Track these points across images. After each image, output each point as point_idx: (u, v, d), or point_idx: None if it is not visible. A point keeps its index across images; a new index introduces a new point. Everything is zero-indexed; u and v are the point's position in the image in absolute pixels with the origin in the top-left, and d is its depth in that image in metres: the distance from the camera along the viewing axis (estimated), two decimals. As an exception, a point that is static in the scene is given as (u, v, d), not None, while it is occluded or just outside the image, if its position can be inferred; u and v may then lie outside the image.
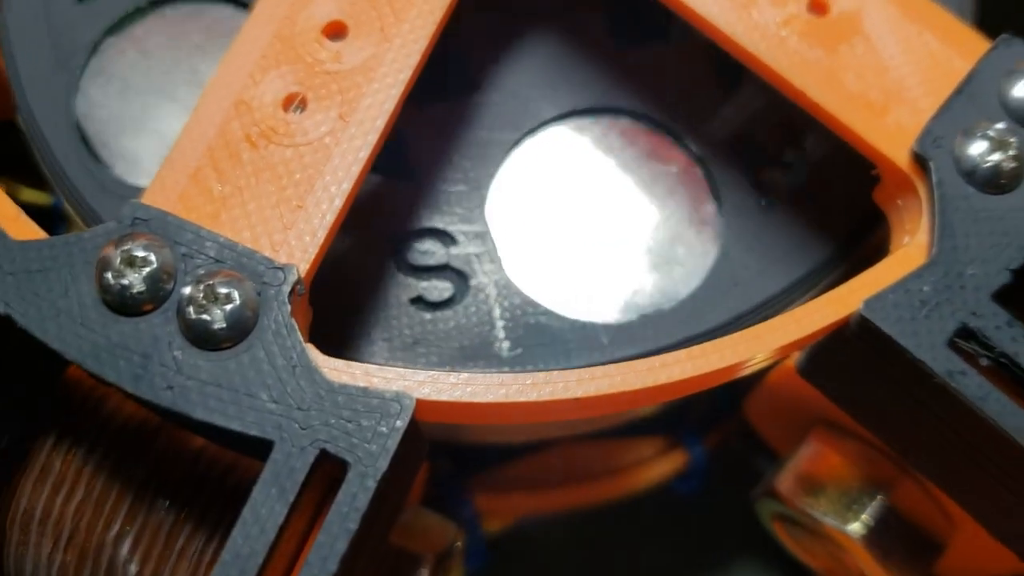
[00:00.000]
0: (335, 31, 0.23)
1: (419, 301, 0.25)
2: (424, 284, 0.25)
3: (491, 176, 0.26)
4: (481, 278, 0.25)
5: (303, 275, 0.21)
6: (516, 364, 0.24)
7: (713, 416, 0.32)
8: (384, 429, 0.19)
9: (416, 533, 0.25)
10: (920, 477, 0.25)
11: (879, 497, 0.26)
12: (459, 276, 0.25)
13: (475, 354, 0.24)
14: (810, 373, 0.23)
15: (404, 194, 0.26)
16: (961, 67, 0.23)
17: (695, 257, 0.25)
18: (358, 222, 0.24)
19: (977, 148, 0.22)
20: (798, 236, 0.25)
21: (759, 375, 0.27)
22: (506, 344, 0.24)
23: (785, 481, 0.26)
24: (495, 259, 0.25)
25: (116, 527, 0.23)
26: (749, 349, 0.21)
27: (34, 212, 0.22)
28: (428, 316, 0.25)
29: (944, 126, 0.22)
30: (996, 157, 0.21)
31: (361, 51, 0.22)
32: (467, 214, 0.25)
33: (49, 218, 0.30)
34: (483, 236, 0.25)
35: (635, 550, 0.34)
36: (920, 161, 0.22)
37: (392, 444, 0.19)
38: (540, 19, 0.27)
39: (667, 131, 0.26)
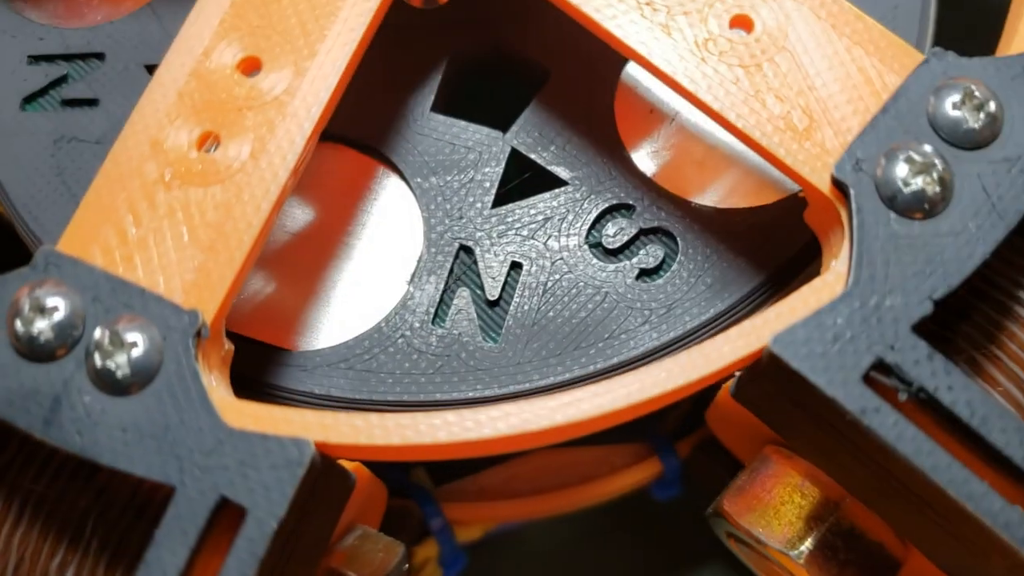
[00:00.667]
0: (250, 66, 0.23)
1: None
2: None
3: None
4: None
5: (211, 317, 0.21)
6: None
7: (688, 423, 0.32)
8: (282, 475, 0.20)
9: (360, 558, 0.25)
10: (867, 499, 0.25)
11: (828, 519, 0.25)
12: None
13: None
14: (739, 398, 0.23)
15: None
16: (893, 83, 0.22)
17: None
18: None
19: (900, 171, 0.21)
20: (733, 261, 0.25)
21: (715, 385, 0.27)
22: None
23: (732, 502, 0.26)
24: None
25: (59, 556, 0.24)
26: (654, 386, 0.20)
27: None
28: None
29: (867, 148, 0.21)
30: (919, 181, 0.21)
31: (275, 86, 0.22)
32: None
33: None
34: None
35: (611, 553, 0.34)
36: (840, 186, 0.21)
37: (289, 490, 0.19)
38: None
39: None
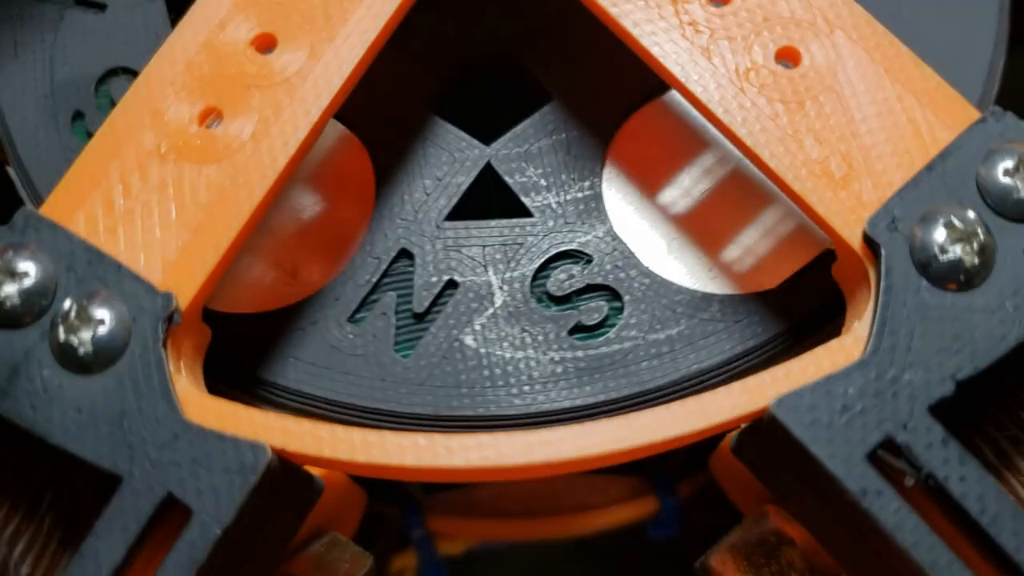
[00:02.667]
0: (265, 43, 0.22)
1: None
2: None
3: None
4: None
5: (188, 301, 0.20)
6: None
7: (690, 464, 0.31)
8: (234, 479, 0.18)
9: (324, 567, 0.24)
10: None
11: (819, 591, 0.23)
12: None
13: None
14: (738, 454, 0.21)
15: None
16: (944, 139, 0.20)
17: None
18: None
19: (938, 236, 0.19)
20: (754, 303, 0.23)
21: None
22: None
23: (720, 559, 0.24)
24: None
25: (13, 525, 0.23)
26: (642, 434, 0.19)
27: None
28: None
29: (906, 206, 0.19)
30: (958, 249, 0.19)
31: (288, 66, 0.21)
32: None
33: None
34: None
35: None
36: (871, 244, 0.19)
37: (239, 496, 0.18)
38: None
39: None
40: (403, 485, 0.30)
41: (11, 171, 0.25)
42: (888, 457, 0.18)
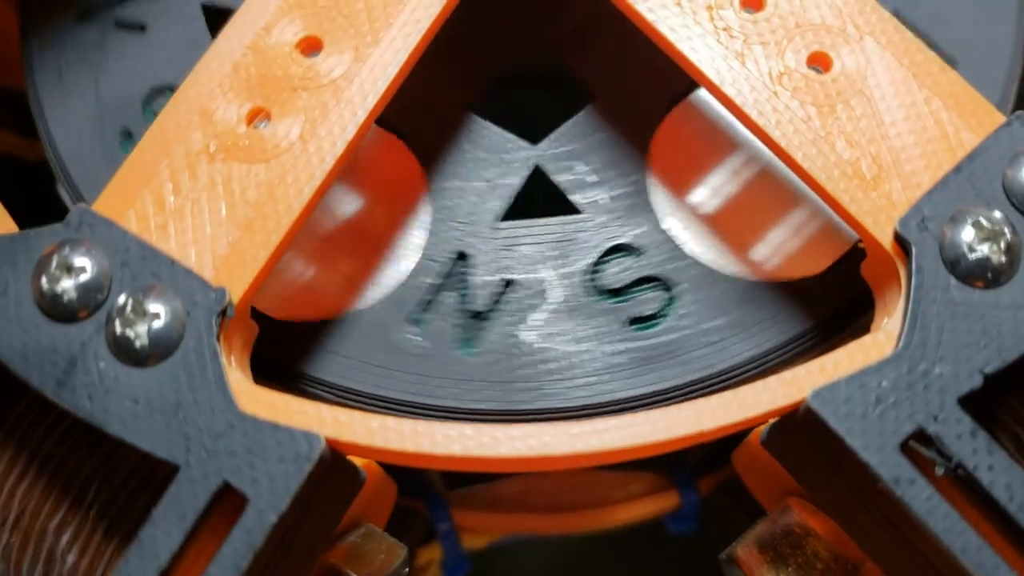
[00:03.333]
0: (310, 46, 0.22)
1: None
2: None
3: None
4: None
5: (239, 296, 0.20)
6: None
7: (712, 460, 0.31)
8: (289, 468, 0.19)
9: (360, 557, 0.25)
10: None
11: (844, 582, 0.24)
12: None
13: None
14: (769, 447, 0.22)
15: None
16: (970, 142, 0.21)
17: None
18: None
19: (966, 235, 0.20)
20: (783, 302, 0.24)
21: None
22: None
23: (747, 549, 0.25)
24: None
25: (59, 516, 0.23)
26: (683, 425, 0.19)
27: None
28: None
29: (936, 207, 0.20)
30: (985, 248, 0.20)
31: (333, 69, 0.22)
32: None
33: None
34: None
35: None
36: (902, 243, 0.20)
37: (294, 485, 0.19)
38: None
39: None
40: (429, 480, 0.31)
41: (61, 190, 0.26)
42: (919, 448, 0.19)
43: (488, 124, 0.25)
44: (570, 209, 0.25)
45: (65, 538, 0.23)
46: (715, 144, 0.25)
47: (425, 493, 0.31)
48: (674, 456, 0.31)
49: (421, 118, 0.25)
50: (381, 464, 0.24)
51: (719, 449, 0.31)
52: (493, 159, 0.25)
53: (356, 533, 0.25)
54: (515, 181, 0.25)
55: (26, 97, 0.27)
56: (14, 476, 0.24)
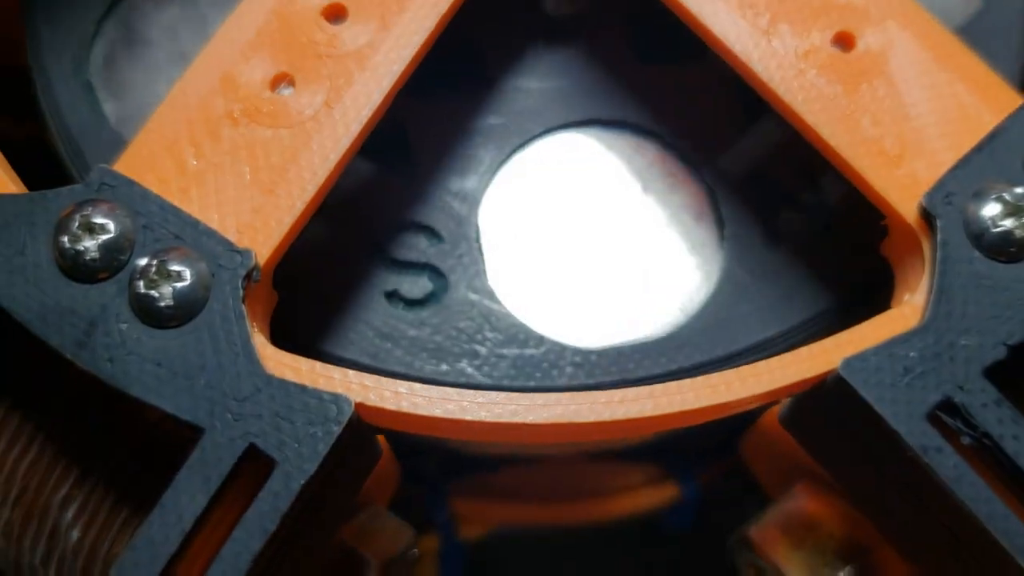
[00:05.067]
0: (335, 13, 0.22)
1: (395, 296, 0.24)
2: (403, 279, 0.24)
3: (490, 179, 0.25)
4: (461, 283, 0.24)
5: (263, 261, 0.20)
6: (485, 377, 0.23)
7: (711, 452, 0.31)
8: (317, 431, 0.19)
9: (369, 536, 0.24)
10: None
11: (855, 562, 0.24)
12: (439, 276, 0.24)
13: (443, 357, 0.24)
14: (790, 424, 0.22)
15: (397, 184, 0.25)
16: (990, 122, 0.21)
17: (688, 290, 0.24)
18: (344, 207, 0.23)
19: (990, 210, 0.20)
20: (801, 280, 0.24)
21: (755, 413, 0.26)
22: (477, 354, 0.23)
23: (761, 531, 0.25)
24: (479, 265, 0.24)
25: (64, 491, 0.23)
26: (714, 395, 0.19)
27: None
28: (403, 312, 0.24)
29: (959, 183, 0.20)
30: (1008, 223, 0.20)
31: (358, 37, 0.22)
32: (460, 215, 0.25)
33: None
34: (470, 240, 0.24)
35: (614, 568, 0.33)
36: (927, 217, 0.20)
37: (323, 448, 0.19)
38: (566, 25, 0.26)
39: (679, 154, 0.25)
40: (426, 468, 0.31)
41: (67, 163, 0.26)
42: (945, 417, 0.19)
43: None
44: None
45: (70, 513, 0.23)
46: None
47: (423, 481, 0.30)
48: (674, 446, 0.31)
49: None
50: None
51: (720, 442, 0.31)
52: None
53: (365, 513, 0.25)
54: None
55: (22, 72, 0.26)
56: (16, 452, 0.23)
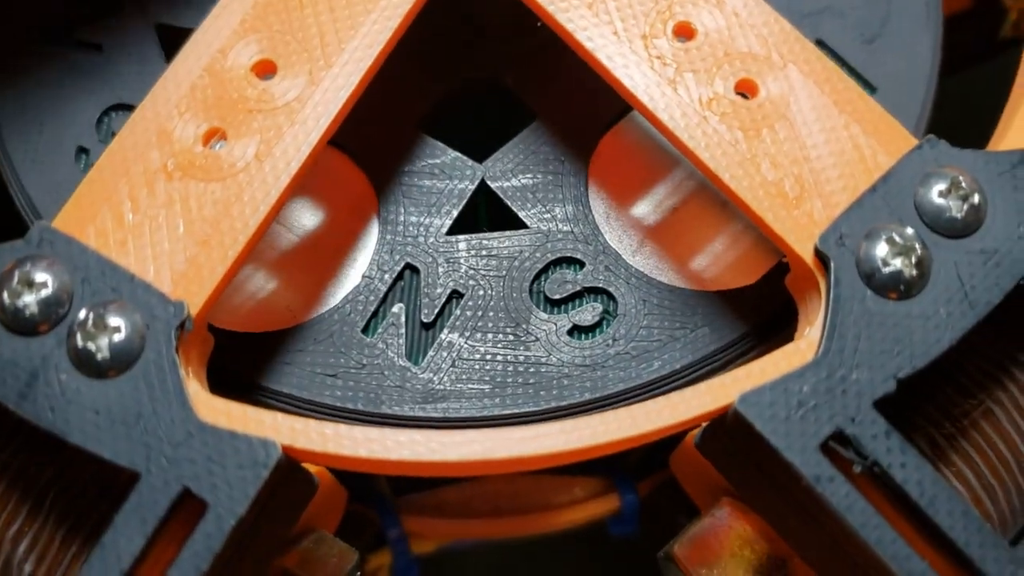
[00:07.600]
0: (265, 70, 0.23)
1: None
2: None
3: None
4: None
5: (196, 311, 0.21)
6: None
7: (650, 463, 0.33)
8: (247, 475, 0.20)
9: (313, 562, 0.26)
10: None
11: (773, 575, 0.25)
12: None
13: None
14: (702, 449, 0.23)
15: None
16: (885, 164, 0.22)
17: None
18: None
19: (881, 251, 0.21)
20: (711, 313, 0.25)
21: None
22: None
23: (683, 547, 0.26)
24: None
25: (16, 525, 0.24)
26: (618, 429, 0.21)
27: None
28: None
29: (851, 225, 0.22)
30: (898, 263, 0.21)
31: (287, 92, 0.23)
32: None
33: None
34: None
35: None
36: (822, 258, 0.21)
37: (252, 490, 0.20)
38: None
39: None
40: (378, 487, 0.32)
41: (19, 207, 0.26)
42: (838, 448, 0.21)
43: (434, 142, 0.26)
44: (515, 224, 0.26)
45: (22, 547, 0.24)
46: (653, 161, 0.26)
47: (375, 500, 0.32)
48: (614, 460, 0.32)
49: (370, 135, 0.26)
50: (332, 472, 0.25)
51: (657, 453, 0.32)
52: (441, 176, 0.26)
53: (308, 539, 0.26)
54: (461, 196, 0.26)
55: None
56: (-30, 487, 0.24)
